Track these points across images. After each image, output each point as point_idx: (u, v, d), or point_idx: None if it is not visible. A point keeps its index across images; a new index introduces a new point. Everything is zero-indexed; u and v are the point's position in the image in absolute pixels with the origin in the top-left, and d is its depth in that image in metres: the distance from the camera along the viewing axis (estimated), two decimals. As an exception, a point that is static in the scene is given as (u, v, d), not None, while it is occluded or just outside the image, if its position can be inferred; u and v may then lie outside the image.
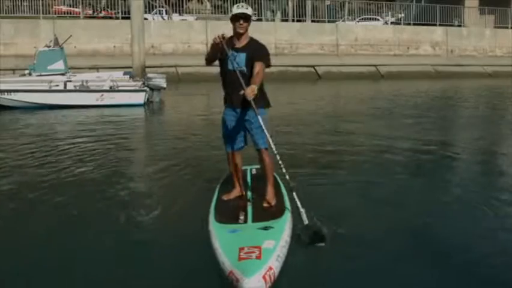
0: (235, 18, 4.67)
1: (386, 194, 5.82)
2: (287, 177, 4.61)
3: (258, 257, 3.60)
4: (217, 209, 4.70)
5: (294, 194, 4.50)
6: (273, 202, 4.74)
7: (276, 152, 4.63)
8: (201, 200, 5.23)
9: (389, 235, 4.58)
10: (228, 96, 4.89)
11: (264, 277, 3.43)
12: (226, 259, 3.67)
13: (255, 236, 4.01)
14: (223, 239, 4.00)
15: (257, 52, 4.71)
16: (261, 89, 4.68)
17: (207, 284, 3.79)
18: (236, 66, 4.66)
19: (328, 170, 7.07)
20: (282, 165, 4.63)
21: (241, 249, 3.71)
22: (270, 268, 3.53)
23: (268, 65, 4.73)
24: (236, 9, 4.69)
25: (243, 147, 5.00)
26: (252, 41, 4.77)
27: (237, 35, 4.73)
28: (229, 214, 4.54)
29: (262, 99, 4.75)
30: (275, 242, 3.85)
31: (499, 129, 11.71)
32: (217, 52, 4.75)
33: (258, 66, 4.62)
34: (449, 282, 3.81)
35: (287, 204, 4.69)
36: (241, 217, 4.48)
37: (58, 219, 5.05)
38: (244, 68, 4.69)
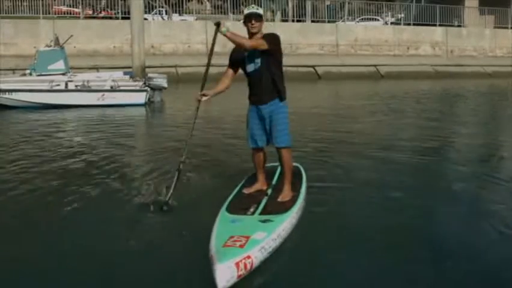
0: (247, 19, 4.81)
1: (387, 191, 5.85)
2: None
3: (241, 246, 3.69)
4: (233, 200, 4.85)
5: None
6: (287, 199, 4.84)
7: None
8: (204, 197, 5.29)
9: (389, 235, 4.60)
10: (250, 97, 5.05)
11: (237, 264, 3.49)
12: (213, 244, 3.77)
13: (251, 227, 4.10)
14: (222, 227, 4.13)
15: (267, 40, 4.81)
16: (281, 80, 4.93)
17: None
18: (254, 69, 4.86)
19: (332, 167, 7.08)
20: None
21: (231, 237, 3.82)
22: (248, 257, 3.60)
23: (271, 47, 4.79)
24: (247, 10, 4.89)
25: (265, 145, 5.11)
26: (265, 36, 4.85)
27: (251, 35, 4.85)
28: (242, 206, 4.66)
29: (283, 91, 4.93)
30: (266, 234, 3.94)
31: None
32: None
33: (260, 39, 4.77)
34: (450, 282, 3.82)
35: (299, 201, 4.80)
36: (251, 209, 4.58)
37: (63, 218, 5.05)
38: (260, 70, 4.84)
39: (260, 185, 5.18)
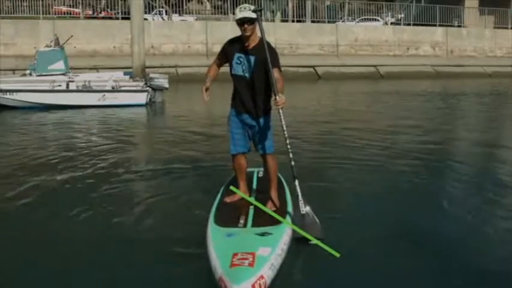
0: (240, 23, 4.59)
1: (387, 192, 5.86)
2: (292, 163, 4.57)
3: (251, 265, 3.53)
4: (218, 211, 4.62)
5: (297, 181, 4.49)
6: (276, 207, 4.69)
7: (286, 135, 4.59)
8: (204, 202, 5.18)
9: (391, 236, 4.59)
10: (234, 100, 4.86)
11: (253, 286, 3.38)
12: (218, 264, 3.60)
13: (251, 241, 3.93)
14: (218, 242, 3.93)
15: (269, 56, 4.54)
16: (268, 94, 4.70)
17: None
18: (241, 73, 4.67)
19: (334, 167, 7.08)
20: (289, 150, 4.59)
21: (235, 255, 3.64)
22: (262, 277, 3.46)
23: (280, 69, 4.64)
24: (239, 14, 4.61)
25: (247, 151, 4.93)
26: (262, 43, 4.61)
27: (245, 38, 4.65)
28: (230, 217, 4.45)
29: (268, 104, 4.76)
30: (271, 250, 3.78)
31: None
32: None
33: (275, 73, 4.52)
34: (451, 283, 3.83)
35: (289, 210, 4.64)
36: (241, 221, 4.40)
37: (57, 219, 5.04)
38: (247, 75, 4.67)
39: (242, 192, 4.96)
